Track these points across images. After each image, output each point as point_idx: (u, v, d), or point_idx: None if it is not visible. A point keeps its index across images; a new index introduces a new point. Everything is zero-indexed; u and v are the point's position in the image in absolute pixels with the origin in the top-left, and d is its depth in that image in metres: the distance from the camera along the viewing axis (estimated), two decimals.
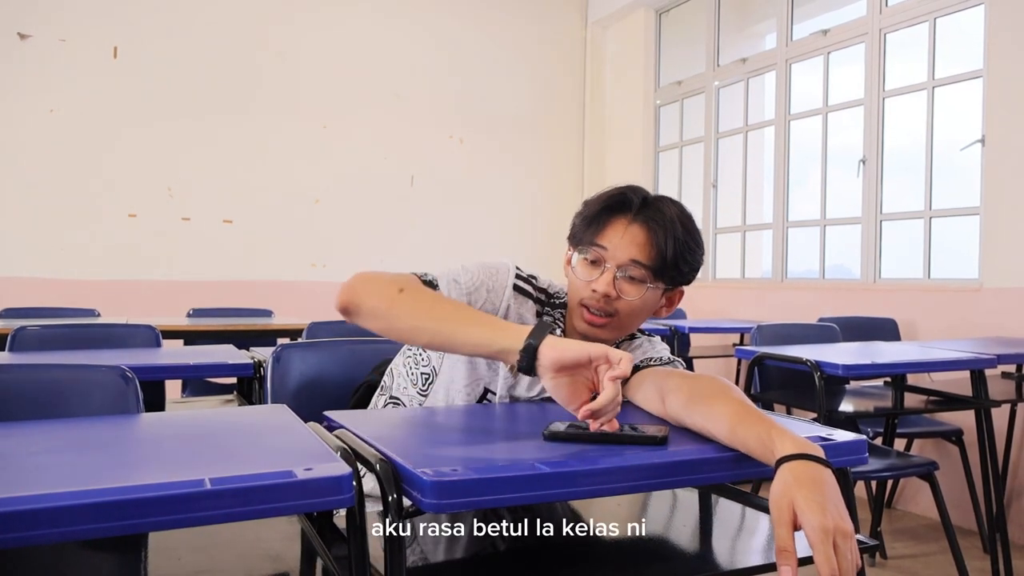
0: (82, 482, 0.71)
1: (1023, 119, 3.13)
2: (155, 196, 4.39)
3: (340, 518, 0.88)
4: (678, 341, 3.43)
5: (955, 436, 2.91)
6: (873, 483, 3.03)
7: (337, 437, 0.95)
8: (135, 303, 4.15)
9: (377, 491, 0.84)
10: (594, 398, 0.99)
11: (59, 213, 4.17)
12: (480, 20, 5.31)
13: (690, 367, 2.12)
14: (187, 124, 4.45)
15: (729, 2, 4.89)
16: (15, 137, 4.11)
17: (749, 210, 4.71)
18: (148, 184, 4.37)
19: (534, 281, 1.31)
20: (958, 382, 2.57)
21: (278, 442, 0.95)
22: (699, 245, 1.27)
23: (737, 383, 3.97)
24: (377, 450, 0.89)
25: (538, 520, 1.18)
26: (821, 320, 3.16)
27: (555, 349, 1.00)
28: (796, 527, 0.82)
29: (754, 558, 1.04)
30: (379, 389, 1.38)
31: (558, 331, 1.30)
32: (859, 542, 0.85)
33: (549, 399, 1.27)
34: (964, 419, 2.81)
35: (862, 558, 0.87)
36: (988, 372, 2.38)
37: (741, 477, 0.98)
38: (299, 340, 2.10)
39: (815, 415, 2.09)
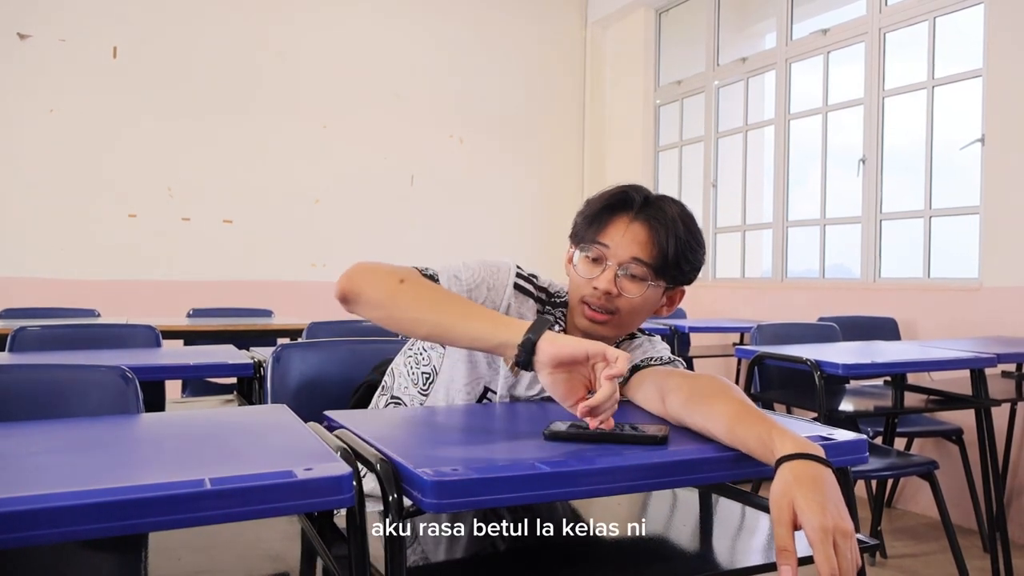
0: (82, 482, 0.71)
1: (1023, 118, 3.13)
2: (155, 196, 4.39)
3: (340, 518, 0.88)
4: (678, 340, 3.43)
5: (955, 435, 2.91)
6: (873, 482, 3.03)
7: (337, 437, 0.95)
8: (135, 303, 4.15)
9: (377, 491, 0.84)
10: (591, 395, 0.99)
11: (59, 213, 4.17)
12: (480, 20, 5.31)
13: (690, 367, 2.12)
14: (187, 124, 4.45)
15: (729, 2, 4.89)
16: (15, 137, 4.11)
17: (749, 210, 4.71)
18: (148, 184, 4.37)
19: (535, 280, 1.31)
20: (958, 381, 2.57)
21: (278, 442, 0.95)
22: (700, 244, 1.27)
23: (737, 383, 3.97)
24: (377, 450, 0.89)
25: (538, 520, 1.18)
26: (821, 320, 3.16)
27: (553, 345, 1.00)
28: (796, 527, 0.82)
29: (754, 558, 1.04)
30: (380, 389, 1.38)
31: (558, 328, 1.30)
32: (859, 541, 0.85)
33: (549, 399, 1.27)
34: (964, 418, 2.81)
35: (862, 557, 0.87)
36: (988, 371, 2.38)
37: (741, 477, 0.98)
38: (299, 340, 2.10)
39: (815, 414, 2.09)
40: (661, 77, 5.31)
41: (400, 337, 1.73)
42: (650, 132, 5.32)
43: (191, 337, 3.01)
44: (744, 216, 4.72)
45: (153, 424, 1.10)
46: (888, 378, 2.61)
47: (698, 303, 4.48)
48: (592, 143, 5.62)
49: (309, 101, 4.76)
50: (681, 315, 4.17)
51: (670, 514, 1.27)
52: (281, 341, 1.81)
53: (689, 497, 1.29)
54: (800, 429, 1.01)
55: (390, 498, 0.82)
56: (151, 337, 2.32)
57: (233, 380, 2.84)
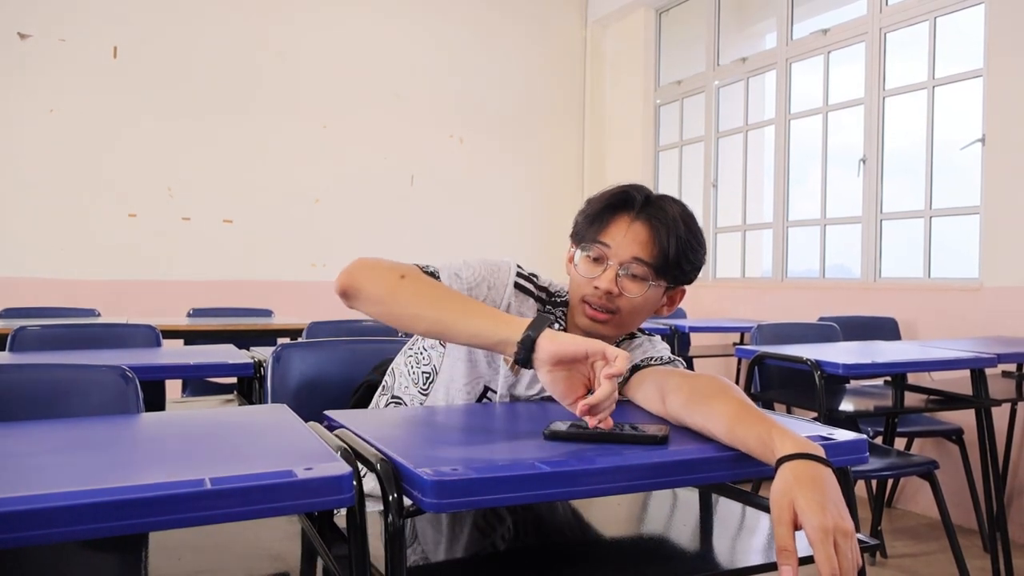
0: (82, 482, 0.71)
1: (1023, 118, 3.13)
2: (155, 196, 4.39)
3: (340, 518, 0.88)
4: (678, 340, 3.43)
5: (955, 435, 2.91)
6: (873, 482, 3.03)
7: (337, 437, 0.95)
8: (135, 303, 4.15)
9: (377, 491, 0.84)
10: (590, 394, 0.99)
11: (59, 213, 4.17)
12: (480, 20, 5.31)
13: (690, 366, 2.12)
14: (187, 124, 4.45)
15: (729, 1, 4.89)
16: (15, 137, 4.11)
17: (749, 209, 4.71)
18: (148, 184, 4.37)
19: (535, 280, 1.31)
20: (958, 381, 2.57)
21: (278, 442, 0.95)
22: (701, 244, 1.28)
23: (737, 382, 3.97)
24: (377, 449, 0.89)
25: (538, 520, 1.18)
26: (821, 319, 3.16)
27: (553, 342, 1.00)
28: (797, 526, 0.82)
29: (754, 557, 1.04)
30: (380, 389, 1.38)
31: (558, 327, 1.30)
32: (859, 541, 0.85)
33: (549, 398, 1.27)
34: (964, 418, 2.82)
35: (862, 557, 0.87)
36: (988, 371, 2.38)
37: (741, 476, 0.97)
38: (299, 340, 2.10)
39: (815, 414, 2.09)
40: (661, 77, 5.31)
41: (400, 335, 1.73)
42: (650, 132, 5.32)
43: (191, 337, 3.01)
44: (744, 216, 4.72)
45: (153, 424, 1.09)
46: (888, 378, 2.61)
47: (698, 303, 4.48)
48: (592, 143, 5.62)
49: (309, 101, 4.76)
50: (681, 315, 4.17)
51: (670, 514, 1.27)
52: (281, 341, 1.81)
53: (689, 497, 1.29)
54: (800, 429, 1.01)
55: (390, 498, 0.82)
56: (151, 337, 2.32)
57: (233, 380, 2.84)
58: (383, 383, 1.38)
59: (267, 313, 3.81)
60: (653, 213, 1.24)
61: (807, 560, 0.83)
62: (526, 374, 1.29)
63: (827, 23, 4.14)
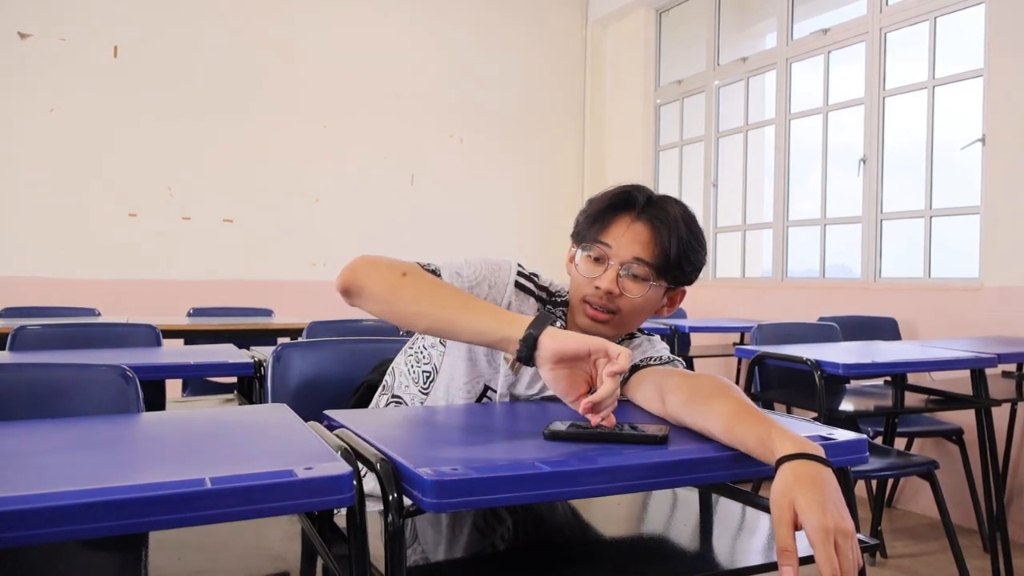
0: (82, 482, 0.71)
1: (1023, 118, 3.13)
2: (155, 196, 4.39)
3: (340, 517, 0.88)
4: (678, 340, 3.43)
5: (955, 435, 2.91)
6: (873, 482, 3.03)
7: (337, 436, 0.95)
8: (135, 303, 4.15)
9: (378, 491, 0.84)
10: (592, 392, 0.99)
11: (59, 213, 4.17)
12: (480, 20, 5.31)
13: (690, 366, 2.12)
14: (187, 124, 4.45)
15: (729, 1, 4.89)
16: (15, 137, 4.11)
17: (749, 209, 4.71)
18: (148, 184, 4.37)
19: (535, 279, 1.31)
20: (958, 381, 2.57)
21: (278, 441, 0.95)
22: (702, 245, 1.28)
23: (737, 382, 3.97)
24: (377, 449, 0.89)
25: (538, 520, 1.18)
26: (821, 319, 3.16)
27: (555, 340, 1.00)
28: (797, 527, 0.82)
29: (755, 557, 1.04)
30: (380, 389, 1.38)
31: (559, 324, 1.30)
32: (860, 541, 0.85)
33: (549, 398, 1.27)
34: (964, 418, 2.82)
35: (863, 557, 0.87)
36: (988, 371, 2.38)
37: (741, 476, 0.97)
38: (299, 339, 2.10)
39: (815, 414, 2.09)
40: (661, 77, 5.31)
41: (401, 334, 1.73)
42: (650, 132, 5.32)
43: (191, 336, 3.02)
44: (744, 216, 4.72)
45: (153, 423, 1.10)
46: (888, 378, 2.61)
47: (698, 303, 4.48)
48: (592, 143, 5.62)
49: (309, 101, 4.76)
50: (681, 315, 4.17)
51: (670, 514, 1.27)
52: (281, 340, 1.81)
53: (689, 497, 1.29)
54: (800, 429, 1.01)
55: (390, 498, 0.82)
56: (151, 336, 2.32)
57: (233, 379, 2.85)
58: (383, 383, 1.38)
59: (267, 313, 3.81)
60: (655, 213, 1.24)
61: (807, 560, 0.83)
62: (526, 373, 1.29)
63: (827, 23, 4.14)
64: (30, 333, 2.15)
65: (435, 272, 1.22)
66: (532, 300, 1.30)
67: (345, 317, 2.45)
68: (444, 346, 1.29)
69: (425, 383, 1.30)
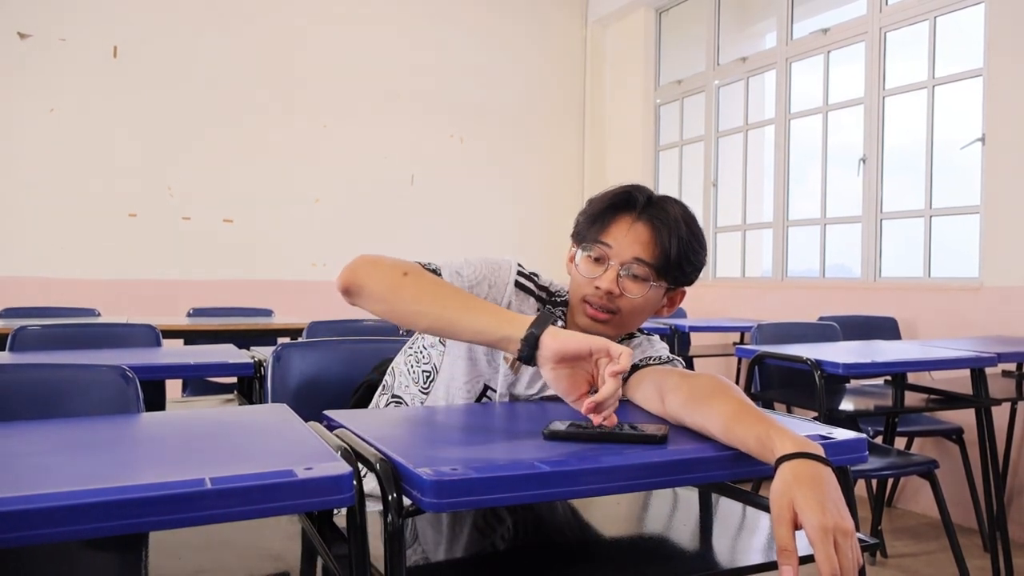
0: (82, 482, 0.71)
1: (1023, 118, 3.13)
2: (155, 196, 4.39)
3: (340, 517, 0.88)
4: (678, 340, 3.43)
5: (955, 435, 2.91)
6: (874, 482, 3.03)
7: (337, 436, 0.95)
8: (135, 303, 4.15)
9: (378, 491, 0.84)
10: (593, 391, 0.99)
11: (59, 213, 4.17)
12: (480, 20, 5.31)
13: (690, 366, 2.12)
14: (187, 124, 4.45)
15: (729, 1, 4.89)
16: (15, 137, 4.11)
17: (749, 209, 4.71)
18: (148, 184, 4.37)
19: (535, 279, 1.31)
20: (958, 381, 2.57)
21: (278, 441, 0.95)
22: (702, 246, 1.28)
23: (737, 382, 3.97)
24: (377, 449, 0.89)
25: (538, 520, 1.18)
26: (821, 319, 3.16)
27: (556, 340, 1.00)
28: (797, 526, 0.82)
29: (755, 557, 1.04)
30: (380, 389, 1.38)
31: (560, 324, 1.30)
32: (859, 540, 0.85)
33: (549, 398, 1.28)
34: (964, 418, 2.82)
35: (863, 556, 0.87)
36: (988, 371, 2.38)
37: (741, 476, 0.97)
38: (299, 339, 2.10)
39: (815, 414, 2.09)
40: (661, 77, 5.31)
41: (401, 333, 1.73)
42: (650, 132, 5.33)
43: (191, 336, 3.01)
44: (744, 216, 4.72)
45: (153, 423, 1.10)
46: (888, 377, 2.61)
47: (698, 303, 4.48)
48: (592, 143, 5.62)
49: (309, 101, 4.76)
50: (681, 315, 4.17)
51: (670, 514, 1.27)
52: (281, 340, 1.81)
53: (689, 497, 1.29)
54: (800, 428, 1.01)
55: (389, 497, 0.82)
56: (151, 336, 2.32)
57: (233, 379, 2.85)
58: (383, 382, 1.38)
59: (267, 313, 3.81)
60: (655, 214, 1.24)
61: (807, 559, 0.83)
62: (526, 373, 1.29)
63: (827, 23, 4.14)
64: (30, 333, 2.15)
65: (435, 272, 1.22)
66: (532, 300, 1.30)
67: (345, 317, 2.45)
68: (444, 346, 1.29)
69: (425, 383, 1.30)
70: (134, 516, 0.67)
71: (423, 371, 1.31)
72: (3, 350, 2.09)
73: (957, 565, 2.27)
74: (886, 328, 3.35)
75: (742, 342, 3.69)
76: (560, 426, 1.00)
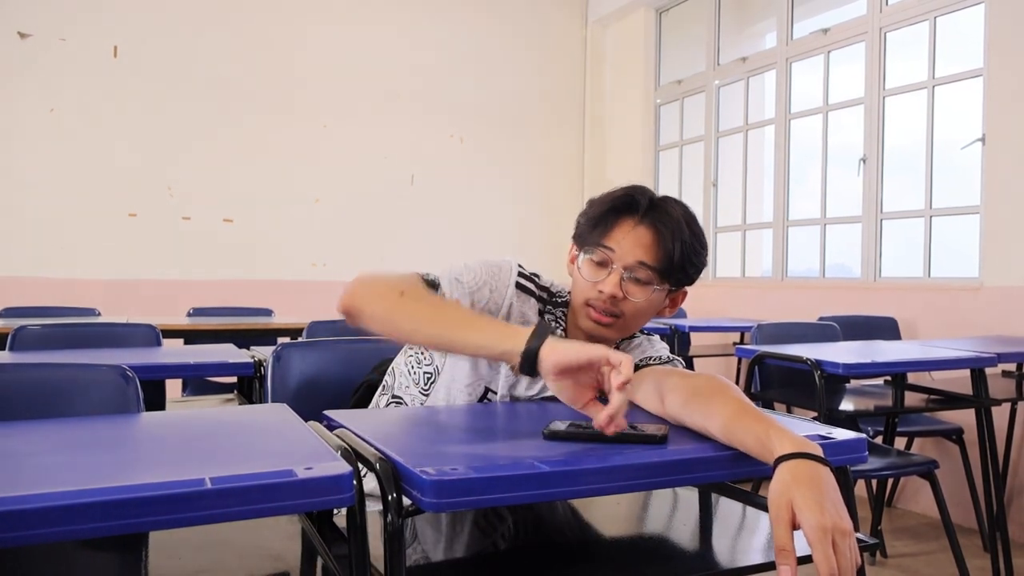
0: (82, 482, 0.71)
1: (1023, 118, 3.13)
2: (155, 196, 4.39)
3: (340, 517, 0.88)
4: (678, 340, 3.43)
5: (955, 435, 2.91)
6: (873, 482, 3.03)
7: (337, 436, 0.95)
8: (135, 303, 4.15)
9: (378, 491, 0.84)
10: (600, 398, 0.99)
11: (59, 213, 4.17)
12: (480, 20, 5.31)
13: (690, 366, 2.12)
14: (187, 124, 4.45)
15: (729, 1, 4.89)
16: (15, 137, 4.11)
17: (749, 209, 4.71)
18: (148, 184, 4.37)
19: (536, 280, 1.31)
20: (958, 381, 2.57)
21: (278, 441, 0.95)
22: (704, 246, 1.28)
23: (737, 382, 3.97)
24: (377, 449, 0.89)
25: (538, 519, 1.18)
26: (821, 319, 3.16)
27: (555, 352, 1.00)
28: (795, 526, 0.82)
29: (754, 557, 1.04)
30: (380, 389, 1.38)
31: (559, 331, 1.30)
32: (859, 540, 0.85)
33: (549, 398, 1.28)
34: (964, 418, 2.81)
35: (862, 556, 0.87)
36: (988, 371, 2.38)
37: (741, 476, 0.98)
38: (299, 339, 2.10)
39: (815, 414, 2.09)
40: (661, 77, 5.31)
41: None
42: (650, 132, 5.32)
43: (191, 336, 3.02)
44: (744, 216, 4.72)
45: (153, 423, 1.10)
46: (888, 378, 2.61)
47: (698, 303, 4.48)
48: (592, 143, 5.62)
49: (309, 101, 4.76)
50: (681, 315, 4.17)
51: (670, 513, 1.27)
52: (281, 340, 1.81)
53: (689, 497, 1.29)
54: (800, 428, 1.01)
55: (389, 497, 0.82)
56: (151, 336, 2.32)
57: (233, 379, 2.85)
58: (383, 383, 1.38)
59: (267, 313, 3.81)
60: (658, 217, 1.23)
61: (806, 560, 0.83)
62: (525, 377, 1.29)
63: (827, 23, 4.14)
64: (30, 333, 2.15)
65: (435, 282, 1.22)
66: (533, 301, 1.29)
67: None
68: None
69: (426, 384, 1.30)
70: (134, 516, 0.67)
71: (424, 372, 1.30)
72: (3, 350, 2.09)
73: (957, 565, 2.27)
74: (886, 328, 3.35)
75: (742, 342, 3.69)
76: (560, 426, 1.00)
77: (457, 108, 5.20)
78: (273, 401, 1.49)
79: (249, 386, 1.97)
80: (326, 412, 1.13)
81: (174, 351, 2.10)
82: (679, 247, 1.22)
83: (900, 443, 3.16)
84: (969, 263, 3.39)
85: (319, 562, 1.09)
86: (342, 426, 1.03)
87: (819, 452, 0.89)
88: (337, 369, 1.56)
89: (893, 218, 3.79)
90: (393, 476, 0.83)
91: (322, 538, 0.98)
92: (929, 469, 2.29)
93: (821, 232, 4.15)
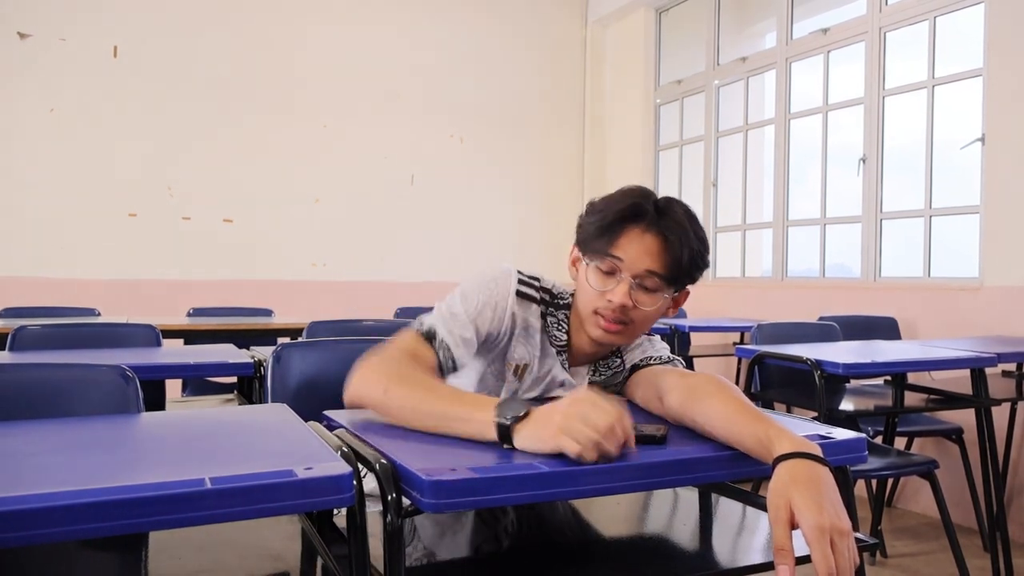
0: (82, 482, 0.71)
1: (1023, 118, 3.13)
2: (155, 196, 4.39)
3: (340, 517, 0.88)
4: (678, 340, 3.43)
5: (955, 435, 2.91)
6: (873, 482, 3.03)
7: (337, 436, 0.95)
8: (135, 303, 4.15)
9: (377, 491, 0.84)
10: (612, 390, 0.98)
11: (59, 213, 4.17)
12: (480, 20, 5.31)
13: (690, 366, 2.12)
14: (187, 124, 4.45)
15: (729, 1, 4.89)
16: (15, 137, 4.11)
17: (749, 209, 4.71)
18: (148, 184, 4.37)
19: (537, 283, 1.30)
20: (958, 381, 2.57)
21: (278, 441, 0.95)
22: (707, 247, 1.27)
23: (737, 382, 3.97)
24: (377, 450, 0.89)
25: (538, 519, 1.18)
26: (821, 319, 3.16)
27: (524, 443, 0.94)
28: (794, 526, 0.82)
29: (754, 557, 1.04)
30: None
31: (561, 333, 1.29)
32: (858, 540, 0.86)
33: (549, 399, 1.27)
34: (964, 417, 2.82)
35: (861, 556, 0.87)
36: (988, 371, 2.38)
37: (740, 476, 0.98)
38: (299, 339, 2.10)
39: (815, 414, 2.09)
40: (661, 77, 5.30)
41: None
42: (650, 132, 5.32)
43: (191, 336, 3.01)
44: (744, 215, 4.72)
45: (153, 423, 1.10)
46: (888, 377, 2.61)
47: (698, 303, 4.48)
48: (592, 143, 5.62)
49: (309, 101, 4.76)
50: (681, 315, 4.17)
51: (670, 513, 1.27)
52: (281, 340, 1.81)
53: (689, 497, 1.29)
54: (799, 428, 1.02)
55: (389, 498, 0.82)
56: (151, 336, 2.32)
57: (233, 379, 2.85)
58: None
59: (267, 313, 3.81)
60: (665, 224, 1.22)
61: (805, 559, 0.83)
62: (528, 378, 1.29)
63: (827, 23, 4.14)
64: (30, 333, 2.15)
65: (430, 333, 1.20)
66: (535, 307, 1.28)
67: (345, 317, 2.45)
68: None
69: None
70: (134, 516, 0.67)
71: None
72: (3, 350, 2.09)
73: (957, 565, 2.27)
74: (886, 328, 3.35)
75: (742, 342, 3.69)
76: None
77: (457, 108, 5.20)
78: (273, 401, 1.49)
79: (249, 386, 1.97)
80: (326, 412, 1.13)
81: (174, 351, 2.10)
82: (687, 254, 1.21)
83: (900, 443, 3.16)
84: (969, 263, 3.39)
85: (319, 562, 1.09)
86: (342, 426, 1.03)
87: (818, 452, 0.89)
88: (337, 369, 1.56)
89: (893, 218, 3.79)
90: (393, 476, 0.83)
91: (322, 538, 0.98)
92: (929, 469, 2.29)
93: (821, 232, 4.15)
